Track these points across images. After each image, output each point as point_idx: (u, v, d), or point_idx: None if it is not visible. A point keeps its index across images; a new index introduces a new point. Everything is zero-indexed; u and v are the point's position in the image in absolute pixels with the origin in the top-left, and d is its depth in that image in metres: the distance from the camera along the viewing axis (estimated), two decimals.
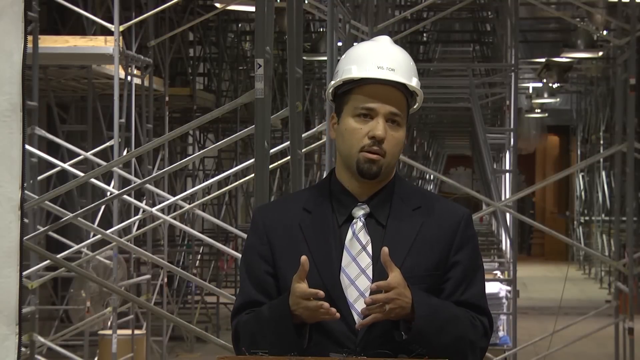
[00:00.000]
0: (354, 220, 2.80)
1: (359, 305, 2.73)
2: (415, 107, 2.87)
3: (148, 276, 11.39)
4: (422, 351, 2.71)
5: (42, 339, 8.69)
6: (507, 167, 13.69)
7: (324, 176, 2.94)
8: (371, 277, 2.75)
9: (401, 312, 2.69)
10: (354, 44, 8.12)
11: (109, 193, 9.13)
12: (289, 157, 6.10)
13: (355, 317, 2.73)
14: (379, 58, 2.79)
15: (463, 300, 2.79)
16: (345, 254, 2.77)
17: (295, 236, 2.81)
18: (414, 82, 2.80)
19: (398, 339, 2.71)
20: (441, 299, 2.78)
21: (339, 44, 8.23)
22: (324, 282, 2.74)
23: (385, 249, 2.66)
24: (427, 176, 23.59)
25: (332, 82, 2.86)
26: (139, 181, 8.77)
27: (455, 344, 2.73)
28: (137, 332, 10.38)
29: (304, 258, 2.67)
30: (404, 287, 2.67)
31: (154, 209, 9.08)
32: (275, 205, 2.92)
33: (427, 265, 2.77)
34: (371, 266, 2.76)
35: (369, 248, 2.77)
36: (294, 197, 2.95)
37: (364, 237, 2.79)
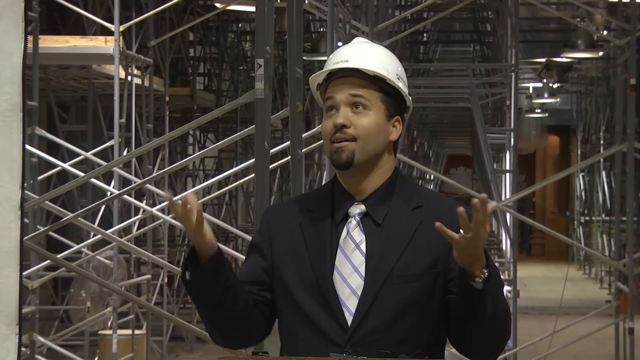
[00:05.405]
0: (349, 219, 2.81)
1: (350, 303, 2.73)
2: (405, 92, 2.82)
3: (148, 276, 11.39)
4: (421, 351, 2.71)
5: (42, 339, 8.68)
6: (507, 167, 13.69)
7: (325, 177, 2.97)
8: (364, 275, 2.74)
9: (475, 254, 2.60)
10: None
11: (109, 193, 9.12)
12: (289, 157, 6.10)
13: (347, 314, 2.73)
14: (338, 56, 2.84)
15: None
16: (339, 252, 2.78)
17: (295, 236, 2.83)
18: (373, 67, 2.79)
19: (477, 286, 2.61)
20: (446, 297, 2.76)
21: (339, 44, 8.22)
22: (317, 279, 2.76)
23: (490, 203, 2.57)
24: (427, 176, 23.60)
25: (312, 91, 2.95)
26: (139, 181, 8.76)
27: (506, 315, 2.70)
28: (137, 332, 10.38)
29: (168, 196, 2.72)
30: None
31: (154, 209, 9.08)
32: (282, 207, 2.95)
33: (423, 264, 2.75)
34: (364, 264, 2.76)
35: (363, 246, 2.77)
36: (300, 198, 2.97)
37: (358, 235, 2.79)
